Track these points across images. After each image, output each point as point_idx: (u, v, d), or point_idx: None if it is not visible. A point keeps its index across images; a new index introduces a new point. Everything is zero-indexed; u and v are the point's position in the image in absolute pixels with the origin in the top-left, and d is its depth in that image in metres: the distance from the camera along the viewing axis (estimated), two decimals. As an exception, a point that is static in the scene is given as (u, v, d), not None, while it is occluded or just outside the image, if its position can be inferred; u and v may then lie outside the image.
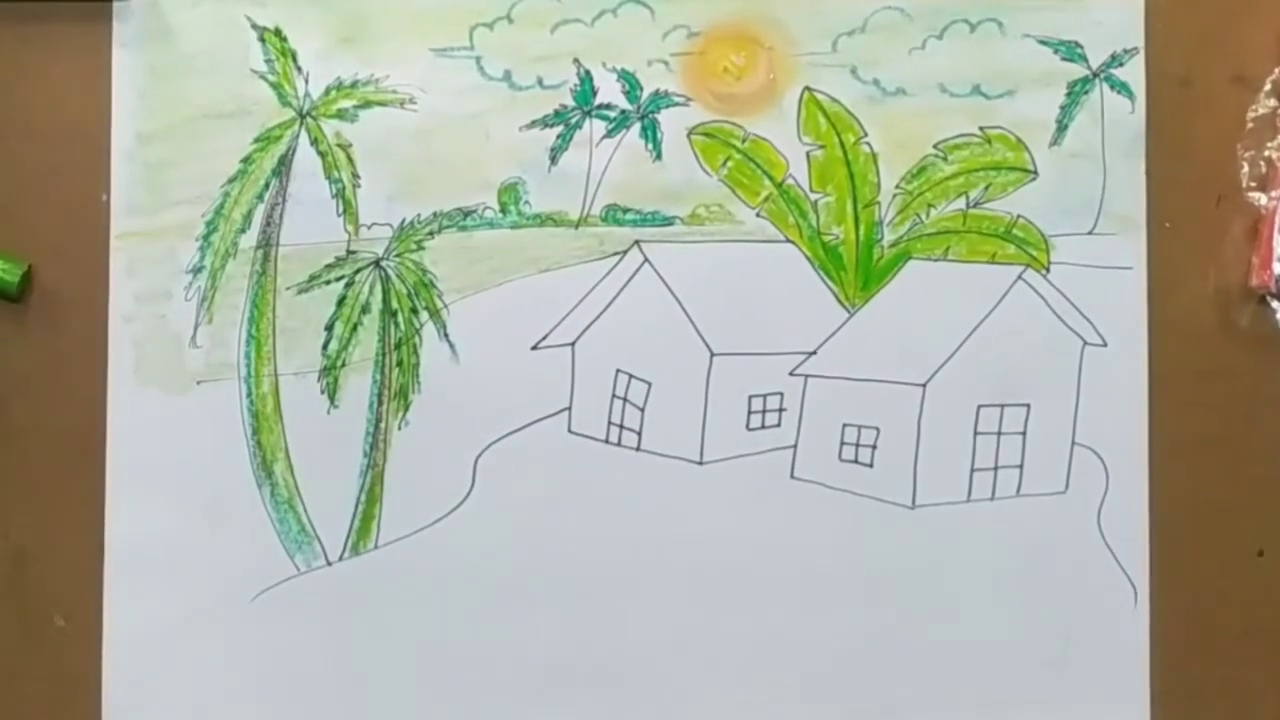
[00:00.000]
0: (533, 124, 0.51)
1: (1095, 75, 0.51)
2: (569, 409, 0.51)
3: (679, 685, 0.51)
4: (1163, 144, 0.52)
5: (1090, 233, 0.51)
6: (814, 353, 0.51)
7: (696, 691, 0.51)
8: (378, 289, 0.51)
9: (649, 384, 0.51)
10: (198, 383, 0.50)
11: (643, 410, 0.51)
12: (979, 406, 0.51)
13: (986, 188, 0.51)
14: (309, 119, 0.50)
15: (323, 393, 0.51)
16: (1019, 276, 0.51)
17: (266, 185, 0.50)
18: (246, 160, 0.50)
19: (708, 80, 0.51)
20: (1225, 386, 0.52)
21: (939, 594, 0.51)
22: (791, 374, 0.51)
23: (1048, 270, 0.51)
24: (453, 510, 0.50)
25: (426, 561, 0.50)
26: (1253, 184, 0.51)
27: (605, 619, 0.51)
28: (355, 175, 0.50)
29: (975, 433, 0.51)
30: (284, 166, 0.50)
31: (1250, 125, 0.51)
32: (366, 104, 0.51)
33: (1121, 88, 0.51)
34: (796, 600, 0.51)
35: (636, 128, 0.51)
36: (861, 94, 0.51)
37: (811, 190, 0.51)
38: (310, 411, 0.50)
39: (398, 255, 0.51)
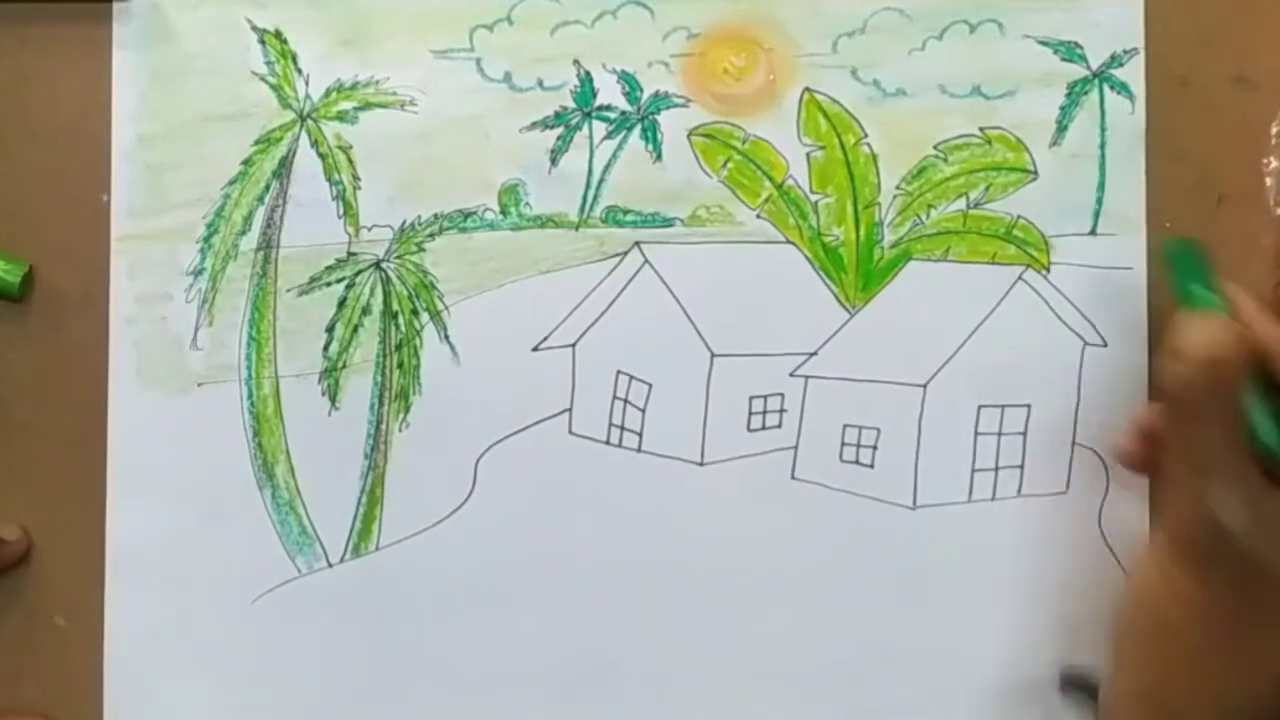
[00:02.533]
0: (533, 125, 0.51)
1: (1095, 76, 0.51)
2: (570, 410, 0.51)
3: (679, 685, 0.51)
4: (1163, 144, 0.52)
5: (1090, 233, 0.51)
6: (814, 353, 0.51)
7: (697, 692, 0.51)
8: (378, 291, 0.51)
9: (650, 385, 0.51)
10: (199, 385, 0.50)
11: (643, 411, 0.51)
12: (980, 407, 0.51)
13: (987, 188, 0.51)
14: (309, 121, 0.51)
15: (324, 394, 0.51)
16: (1019, 277, 0.51)
17: (267, 187, 0.50)
18: (247, 162, 0.50)
19: (708, 81, 0.51)
20: (1226, 387, 0.52)
21: (940, 594, 0.51)
22: (792, 375, 0.51)
23: (1048, 271, 0.51)
24: (454, 512, 0.50)
25: (428, 563, 0.50)
26: None
27: (606, 620, 0.51)
28: (356, 177, 0.51)
29: (976, 433, 0.51)
30: (284, 168, 0.50)
31: (1274, 140, 0.51)
32: (367, 106, 0.51)
33: (1121, 88, 0.51)
34: (797, 601, 0.51)
35: (637, 129, 0.51)
36: (861, 95, 0.51)
37: (812, 191, 0.51)
38: (311, 413, 0.51)
39: (398, 257, 0.51)
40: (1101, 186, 0.51)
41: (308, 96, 0.51)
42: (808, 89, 0.51)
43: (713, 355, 0.51)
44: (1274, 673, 0.40)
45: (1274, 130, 0.52)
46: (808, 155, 0.51)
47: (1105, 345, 0.51)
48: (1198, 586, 0.40)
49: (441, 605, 0.51)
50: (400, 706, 0.51)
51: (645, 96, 0.51)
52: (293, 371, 0.50)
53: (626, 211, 0.51)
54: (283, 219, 0.50)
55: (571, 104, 0.51)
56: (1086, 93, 0.51)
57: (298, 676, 0.50)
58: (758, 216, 0.51)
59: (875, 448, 0.51)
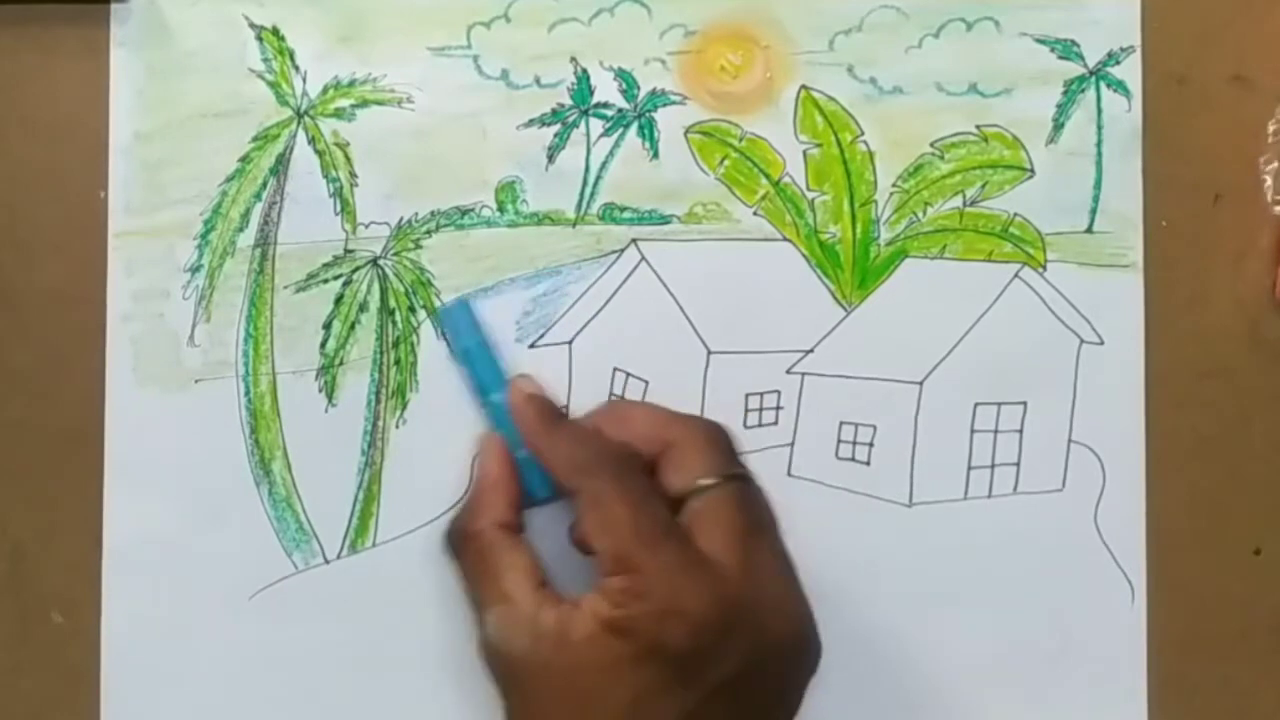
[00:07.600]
0: (530, 123, 0.51)
1: (1092, 74, 0.51)
2: (566, 407, 0.51)
3: (676, 683, 0.51)
4: (1160, 142, 0.52)
5: (1087, 231, 0.51)
6: (811, 351, 0.51)
7: (694, 689, 0.51)
8: (375, 287, 0.51)
9: (646, 382, 0.51)
10: (196, 381, 0.50)
11: (640, 408, 0.51)
12: (976, 404, 0.51)
13: (983, 186, 0.51)
14: (306, 118, 0.51)
15: (320, 391, 0.51)
16: (1015, 275, 0.51)
17: (264, 184, 0.50)
18: (244, 159, 0.50)
19: (705, 79, 0.51)
20: (1222, 385, 0.52)
21: (936, 591, 0.51)
22: (788, 372, 0.51)
23: (1044, 268, 0.51)
24: (451, 508, 0.50)
25: (425, 559, 0.50)
26: (1278, 197, 0.52)
27: (602, 617, 0.51)
28: (353, 174, 0.51)
29: (972, 430, 0.51)
30: (282, 165, 0.51)
31: (1271, 139, 0.51)
32: (364, 103, 0.51)
33: (1118, 86, 0.51)
34: (793, 598, 0.51)
35: (634, 126, 0.51)
36: (858, 92, 0.51)
37: (808, 189, 0.51)
38: (308, 410, 0.51)
39: (395, 254, 0.51)
40: (1098, 184, 0.51)
41: (305, 94, 0.51)
42: (804, 86, 0.51)
43: (709, 352, 0.51)
44: None
45: (1271, 128, 0.52)
46: (804, 153, 0.51)
47: (1102, 343, 0.51)
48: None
49: (439, 601, 0.50)
50: (398, 702, 0.51)
51: (642, 94, 0.51)
52: (290, 368, 0.50)
53: (623, 209, 0.51)
54: (280, 216, 0.50)
55: (568, 101, 0.51)
56: (1083, 90, 0.51)
57: (295, 672, 0.50)
58: (754, 214, 0.51)
59: (871, 445, 0.51)
